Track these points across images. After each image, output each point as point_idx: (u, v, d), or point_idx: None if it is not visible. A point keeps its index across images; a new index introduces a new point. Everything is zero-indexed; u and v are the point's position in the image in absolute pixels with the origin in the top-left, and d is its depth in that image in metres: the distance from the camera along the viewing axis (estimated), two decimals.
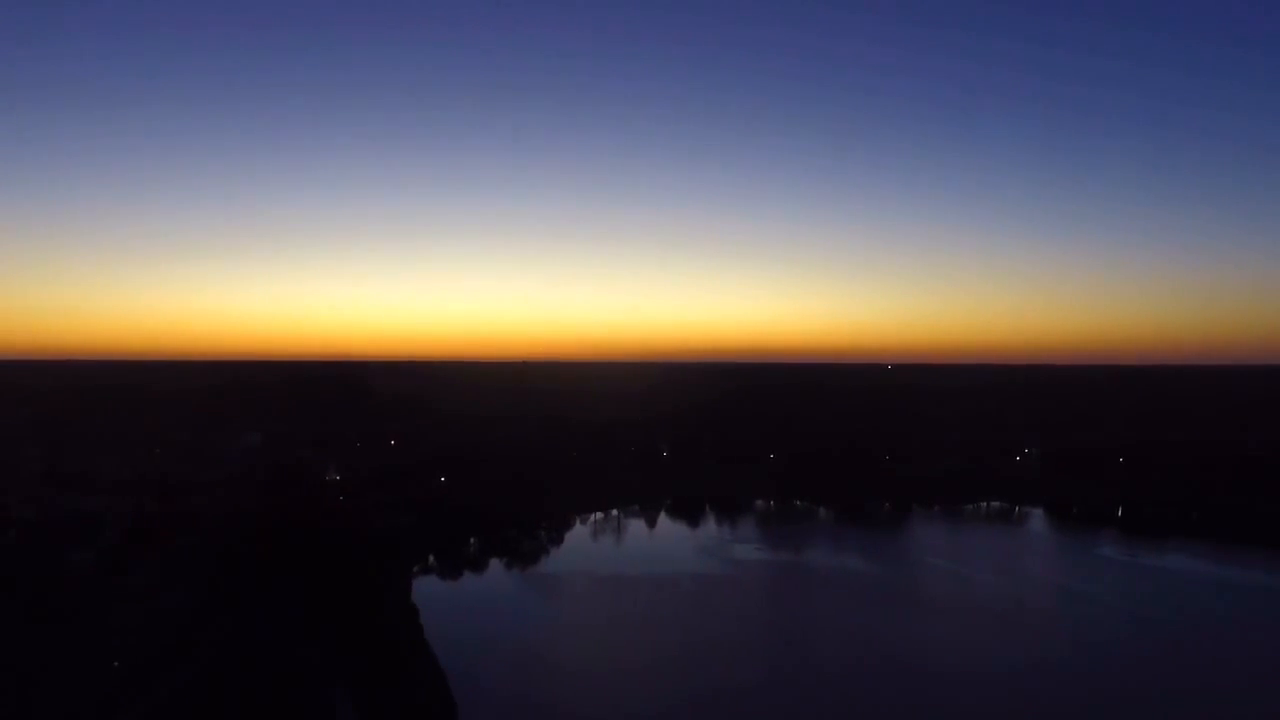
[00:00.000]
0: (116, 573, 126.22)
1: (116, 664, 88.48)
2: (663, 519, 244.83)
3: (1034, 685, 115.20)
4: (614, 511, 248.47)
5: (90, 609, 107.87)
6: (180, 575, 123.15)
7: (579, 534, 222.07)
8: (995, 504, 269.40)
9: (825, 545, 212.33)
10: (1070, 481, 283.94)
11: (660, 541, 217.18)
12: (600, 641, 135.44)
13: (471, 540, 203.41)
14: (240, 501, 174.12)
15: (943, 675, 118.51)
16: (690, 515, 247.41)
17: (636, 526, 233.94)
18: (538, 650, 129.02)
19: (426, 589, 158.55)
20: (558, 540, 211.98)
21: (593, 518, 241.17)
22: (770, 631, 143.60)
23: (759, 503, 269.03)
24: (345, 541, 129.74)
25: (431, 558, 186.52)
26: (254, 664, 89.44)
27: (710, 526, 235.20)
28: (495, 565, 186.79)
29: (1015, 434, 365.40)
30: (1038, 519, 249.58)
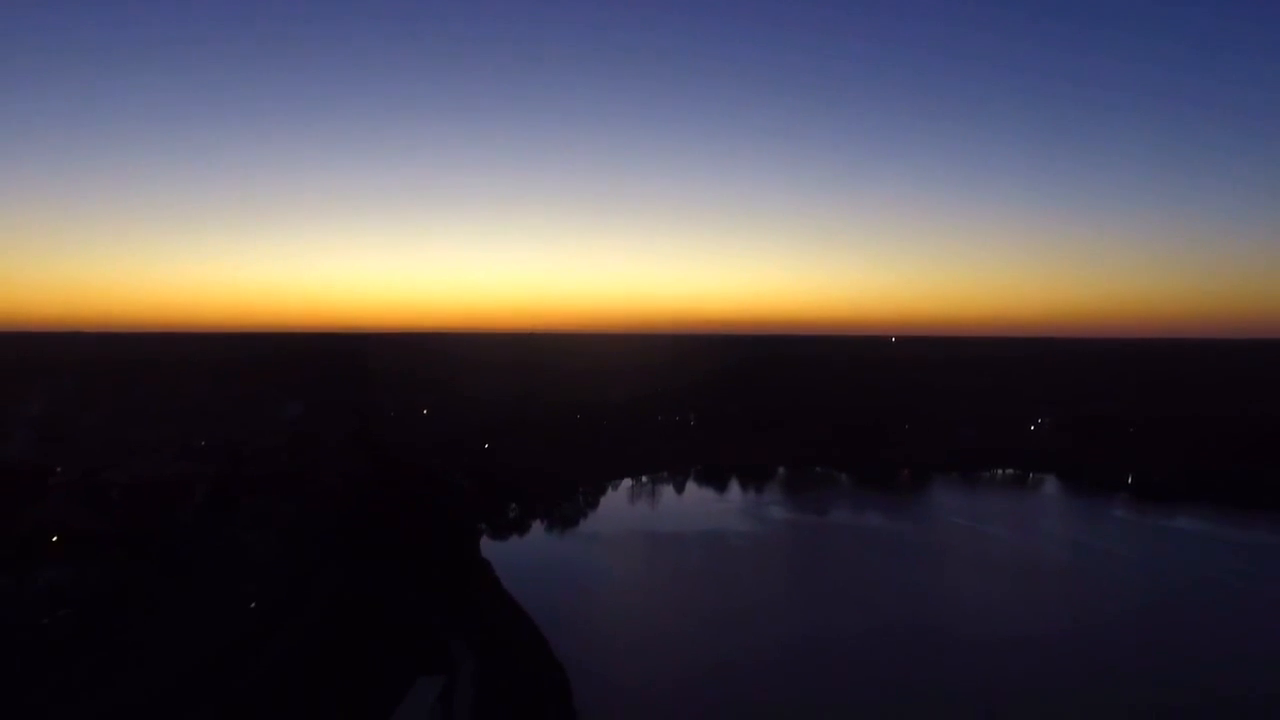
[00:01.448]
0: (214, 529, 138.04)
1: (253, 605, 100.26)
2: (693, 485, 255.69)
3: (1064, 628, 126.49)
4: (645, 479, 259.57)
5: (204, 560, 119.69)
6: (279, 530, 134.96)
7: (615, 499, 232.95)
8: (1010, 471, 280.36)
9: (852, 508, 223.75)
10: (1082, 450, 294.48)
11: (694, 505, 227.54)
12: (656, 594, 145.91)
13: (513, 504, 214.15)
14: (321, 465, 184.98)
15: (980, 621, 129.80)
16: (720, 481, 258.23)
17: (669, 492, 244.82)
18: (598, 599, 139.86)
19: (483, 547, 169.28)
20: (594, 504, 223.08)
21: (626, 484, 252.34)
22: (815, 585, 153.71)
23: (784, 470, 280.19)
24: (429, 502, 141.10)
25: (481, 522, 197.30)
26: (372, 607, 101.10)
27: (740, 491, 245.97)
28: (538, 527, 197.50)
29: (1028, 405, 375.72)
30: (1052, 485, 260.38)
